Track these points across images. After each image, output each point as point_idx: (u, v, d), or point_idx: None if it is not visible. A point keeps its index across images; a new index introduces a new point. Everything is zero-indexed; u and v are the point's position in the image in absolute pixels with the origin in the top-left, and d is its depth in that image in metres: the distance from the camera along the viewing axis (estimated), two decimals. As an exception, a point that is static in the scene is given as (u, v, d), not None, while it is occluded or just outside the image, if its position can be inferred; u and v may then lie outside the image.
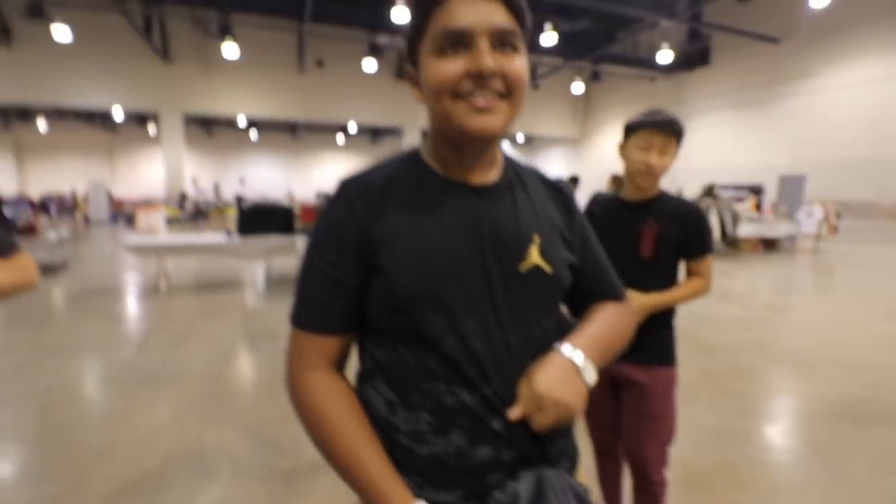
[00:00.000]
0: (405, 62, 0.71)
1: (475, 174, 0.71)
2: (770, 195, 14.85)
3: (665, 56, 18.98)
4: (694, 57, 20.76)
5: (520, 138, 32.02)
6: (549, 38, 17.56)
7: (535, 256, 0.70)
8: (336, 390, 0.69)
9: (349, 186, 0.70)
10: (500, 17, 0.62)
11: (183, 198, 19.86)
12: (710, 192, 10.77)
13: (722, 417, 2.80)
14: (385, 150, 34.55)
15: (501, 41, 0.62)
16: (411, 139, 25.30)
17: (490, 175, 0.72)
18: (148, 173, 28.17)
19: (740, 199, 11.46)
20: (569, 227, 0.78)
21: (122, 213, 18.63)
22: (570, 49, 20.01)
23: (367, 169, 0.73)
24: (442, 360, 0.66)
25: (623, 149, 1.47)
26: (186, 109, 20.35)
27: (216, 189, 24.94)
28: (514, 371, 0.67)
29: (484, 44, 0.61)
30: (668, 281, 1.49)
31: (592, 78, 23.60)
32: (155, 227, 7.72)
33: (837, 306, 5.73)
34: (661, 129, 1.37)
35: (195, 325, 4.67)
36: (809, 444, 2.55)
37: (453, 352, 0.66)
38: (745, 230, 9.31)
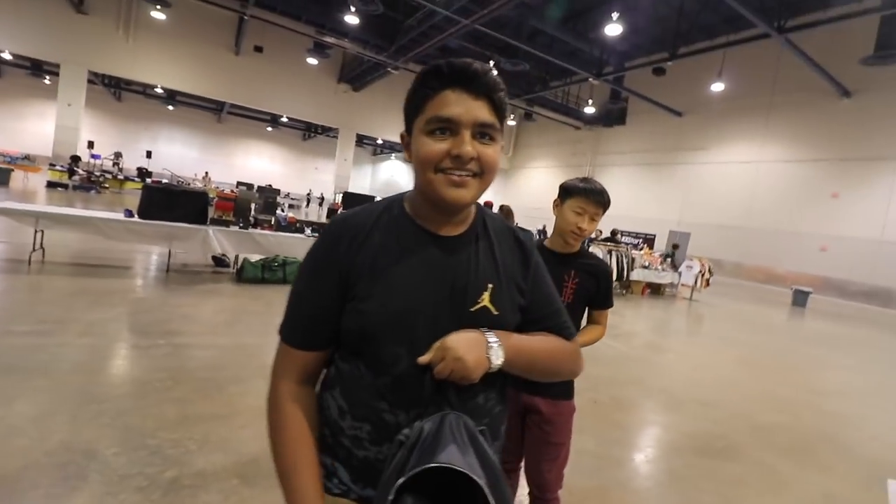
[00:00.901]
0: (403, 134, 0.84)
1: (447, 227, 0.85)
2: (659, 245, 16.71)
3: (589, 109, 20.80)
4: (613, 115, 23.00)
5: (451, 159, 32.65)
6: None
7: (485, 300, 0.84)
8: (300, 405, 0.83)
9: (338, 225, 0.84)
10: (483, 113, 0.76)
11: (74, 161, 17.56)
12: (614, 236, 11.89)
13: (602, 445, 3.10)
14: (316, 148, 33.41)
15: (481, 133, 0.77)
16: (345, 142, 24.79)
17: (459, 228, 0.86)
18: (35, 128, 24.59)
19: (636, 247, 12.77)
20: (523, 275, 0.91)
21: (-6, 169, 15.96)
22: (508, 87, 21.13)
23: (356, 210, 0.87)
24: (392, 383, 0.79)
25: (558, 207, 1.69)
26: (95, 67, 18.27)
27: (117, 158, 22.37)
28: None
29: (467, 134, 0.75)
30: (576, 325, 1.72)
31: (525, 117, 25.14)
32: (32, 190, 6.74)
33: (702, 350, 6.59)
34: (596, 200, 1.61)
35: (72, 311, 4.17)
36: (669, 473, 2.92)
37: (403, 376, 0.79)
38: (637, 274, 10.37)
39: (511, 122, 26.81)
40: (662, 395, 4.34)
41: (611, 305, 1.78)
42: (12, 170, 16.54)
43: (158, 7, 15.89)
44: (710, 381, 5.00)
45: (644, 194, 21.82)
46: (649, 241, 14.65)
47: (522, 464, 1.80)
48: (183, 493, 2.03)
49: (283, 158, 32.32)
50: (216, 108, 28.47)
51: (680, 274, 11.30)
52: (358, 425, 0.81)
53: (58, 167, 17.37)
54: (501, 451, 0.93)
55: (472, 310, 0.82)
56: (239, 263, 6.61)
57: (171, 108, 28.18)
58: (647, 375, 4.88)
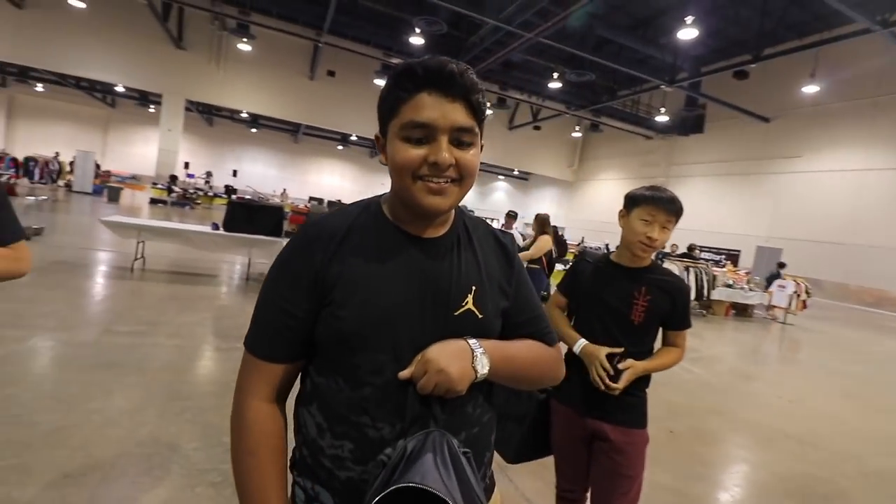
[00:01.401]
0: (377, 135, 0.79)
1: (427, 230, 0.80)
2: (745, 262, 15.34)
3: (662, 118, 19.78)
4: (689, 123, 21.68)
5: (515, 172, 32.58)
6: (555, 84, 18.16)
7: (470, 303, 0.79)
8: (268, 428, 0.76)
9: (311, 230, 0.78)
10: (460, 117, 0.70)
11: (172, 180, 19.55)
12: (691, 252, 11.10)
13: (679, 479, 2.84)
14: (382, 165, 34.74)
15: (459, 138, 0.71)
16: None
17: (440, 230, 0.81)
18: (141, 151, 27.77)
19: (718, 263, 11.81)
20: (507, 278, 0.86)
21: (108, 187, 18.17)
22: (573, 98, 20.73)
23: (331, 214, 0.81)
24: (373, 395, 0.74)
25: (624, 218, 1.55)
26: (191, 96, 20.30)
27: (208, 177, 24.63)
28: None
29: (443, 140, 0.70)
30: (649, 346, 1.58)
31: (591, 128, 24.43)
32: (138, 206, 7.58)
33: (798, 381, 5.89)
34: (667, 208, 1.46)
35: (165, 315, 4.57)
36: (760, 517, 2.60)
37: (386, 385, 0.73)
38: (719, 293, 9.57)
39: (576, 134, 26.15)
40: (750, 428, 3.91)
41: (689, 326, 1.61)
42: (122, 188, 18.76)
43: (245, 40, 17.44)
44: (809, 416, 4.44)
45: (726, 207, 20.21)
46: (733, 257, 13.53)
47: (589, 494, 1.67)
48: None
49: (352, 175, 33.87)
50: (293, 130, 30.53)
51: (771, 294, 10.28)
52: (339, 443, 0.75)
53: (159, 185, 19.44)
54: (489, 465, 0.87)
55: (456, 313, 0.77)
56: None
57: (254, 130, 30.62)
58: (731, 405, 4.44)
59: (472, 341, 0.76)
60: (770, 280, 10.64)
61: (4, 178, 14.51)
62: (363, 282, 0.74)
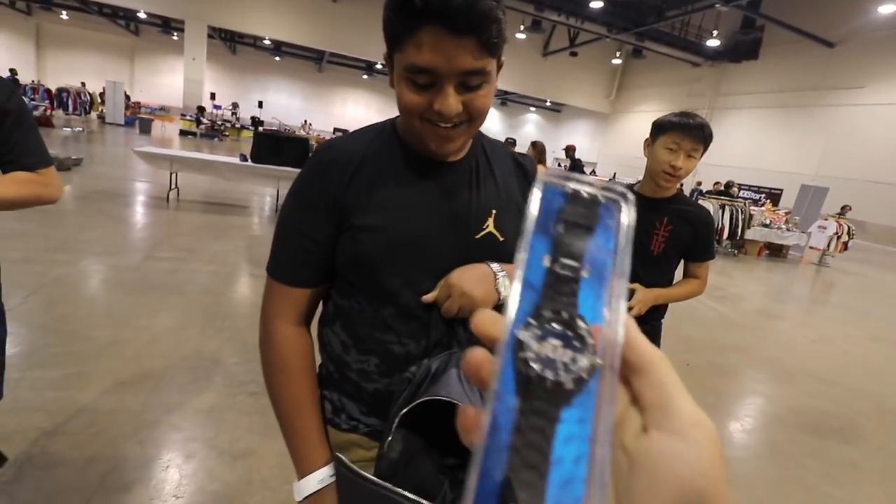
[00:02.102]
0: (385, 56, 0.72)
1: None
2: (787, 202, 14.61)
3: (713, 42, 18.12)
4: (742, 48, 19.80)
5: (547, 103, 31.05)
6: (596, 3, 16.71)
7: (490, 226, 0.78)
8: (296, 346, 0.78)
9: (326, 154, 0.76)
10: (467, 60, 0.61)
11: (200, 111, 19.56)
12: (728, 189, 10.62)
13: (691, 408, 2.93)
14: (408, 96, 33.59)
15: (467, 82, 0.64)
16: (437, 88, 24.56)
17: (458, 154, 0.78)
18: (168, 81, 27.65)
19: (757, 202, 11.30)
20: (527, 200, 0.83)
21: (140, 118, 18.40)
22: (616, 19, 19.06)
23: (345, 137, 0.79)
24: (397, 313, 0.75)
25: (649, 146, 1.49)
26: (212, 22, 19.69)
27: (234, 109, 24.51)
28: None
29: (449, 87, 0.63)
30: (668, 276, 1.57)
31: (634, 53, 22.62)
32: (169, 137, 7.70)
33: (827, 323, 5.80)
34: (693, 135, 1.38)
35: (201, 242, 4.78)
36: (768, 446, 2.69)
37: (409, 305, 0.74)
38: (754, 233, 9.25)
39: (616, 61, 24.37)
40: (770, 365, 3.94)
41: (711, 257, 1.58)
42: (153, 120, 18.94)
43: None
44: (833, 356, 4.42)
45: (772, 143, 18.93)
46: (774, 196, 12.89)
47: None
48: (287, 403, 2.31)
49: (377, 106, 33.05)
50: (317, 58, 29.55)
51: (809, 235, 9.87)
52: (364, 358, 0.77)
53: (187, 117, 19.53)
54: None
55: (476, 237, 0.77)
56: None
57: (277, 59, 29.81)
58: (753, 343, 4.44)
59: (493, 265, 0.76)
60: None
61: (40, 110, 14.82)
62: (382, 206, 0.73)
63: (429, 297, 0.74)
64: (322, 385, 0.84)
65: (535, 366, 0.20)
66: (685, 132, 1.38)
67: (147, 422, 2.00)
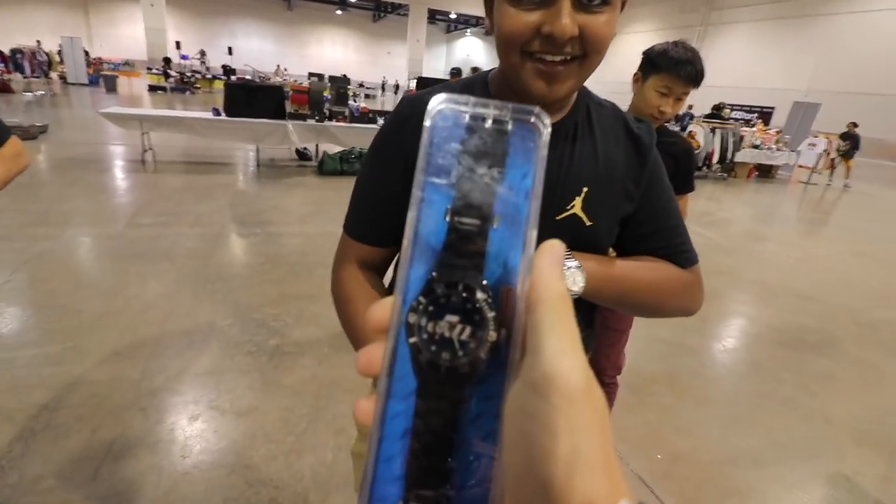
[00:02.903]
0: None
1: None
2: (779, 120, 14.36)
3: (705, -51, 16.99)
4: (737, -47, 18.58)
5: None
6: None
7: (577, 207, 0.69)
8: (364, 280, 0.74)
9: (406, 108, 0.71)
10: None
11: (167, 63, 18.48)
12: (719, 111, 10.37)
13: (676, 333, 3.04)
14: (387, 31, 31.74)
15: (587, 1, 0.54)
16: (416, 20, 23.15)
17: (555, 116, 0.67)
18: (129, 32, 25.90)
19: (748, 123, 11.10)
20: (634, 178, 0.72)
21: (104, 76, 17.38)
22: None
23: (432, 89, 0.71)
24: None
25: (639, 82, 1.43)
26: (165, -40, 18.13)
27: (202, 56, 23.15)
28: None
29: (566, 2, 0.53)
30: None
31: (621, -33, 21.18)
32: (138, 95, 7.31)
33: (811, 240, 5.92)
34: (687, 78, 1.34)
35: (184, 205, 4.69)
36: (748, 363, 2.83)
37: None
38: (744, 155, 9.18)
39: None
40: (754, 286, 4.05)
41: (691, 189, 1.59)
42: (117, 76, 17.90)
43: None
44: (815, 274, 4.54)
45: (767, 58, 18.29)
46: (765, 115, 12.65)
47: None
48: (285, 359, 2.37)
49: (354, 45, 31.31)
50: (285, -5, 27.62)
51: (798, 153, 9.80)
52: None
53: (154, 70, 18.46)
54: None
55: (558, 217, 0.68)
56: (320, 156, 6.86)
57: (243, -2, 27.81)
58: (739, 266, 4.54)
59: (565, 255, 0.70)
60: (849, 145, 9.62)
61: (-4, 73, 13.94)
62: None
63: None
64: None
65: (427, 351, 0.18)
66: (679, 77, 1.33)
67: (147, 389, 2.06)
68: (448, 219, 0.19)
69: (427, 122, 0.19)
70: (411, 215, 0.19)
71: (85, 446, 1.71)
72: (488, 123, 0.19)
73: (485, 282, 0.18)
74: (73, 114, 11.03)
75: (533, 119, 0.19)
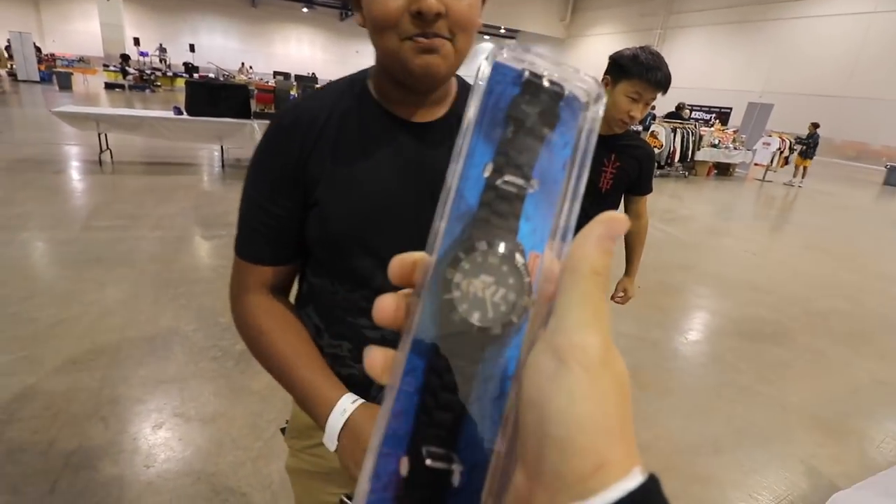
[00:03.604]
0: None
1: (421, 111, 0.68)
2: (735, 120, 15.00)
3: (666, -45, 17.54)
4: (695, -40, 19.28)
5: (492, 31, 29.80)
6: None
7: None
8: (272, 307, 0.71)
9: (287, 118, 0.68)
10: None
11: (125, 60, 17.71)
12: (679, 111, 10.74)
13: (641, 327, 3.15)
14: (355, 29, 31.42)
15: None
16: (384, 20, 22.99)
17: (436, 112, 0.69)
18: (83, 27, 24.72)
19: (707, 123, 11.55)
20: None
21: (56, 73, 16.52)
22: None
23: (310, 97, 0.70)
24: (371, 297, 0.66)
25: (608, 86, 1.44)
26: (121, -48, 17.40)
27: (162, 53, 22.29)
28: None
29: None
30: (614, 208, 1.64)
31: (586, -29, 21.68)
32: (94, 93, 6.99)
33: (766, 235, 6.21)
34: (656, 84, 1.36)
35: (144, 207, 4.52)
36: (708, 355, 2.95)
37: (384, 289, 0.68)
38: (703, 154, 9.54)
39: (570, -18, 23.39)
40: (713, 280, 4.22)
41: (650, 191, 1.66)
42: (71, 73, 17.07)
43: None
44: (770, 267, 4.77)
45: (723, 61, 19.06)
46: (723, 115, 13.17)
47: None
48: (252, 363, 2.30)
49: (321, 43, 30.85)
50: (250, -9, 26.96)
51: (754, 152, 10.26)
52: (337, 343, 0.73)
53: (111, 67, 17.68)
54: None
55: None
56: (288, 157, 6.73)
57: (205, -7, 26.97)
58: (699, 261, 4.72)
59: None
60: (802, 144, 10.03)
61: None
62: (350, 178, 0.65)
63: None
64: None
65: (460, 307, 0.17)
66: (649, 81, 1.35)
67: (107, 398, 1.98)
68: (487, 175, 0.18)
69: (486, 69, 0.18)
70: (453, 167, 0.18)
71: (41, 460, 1.64)
72: (545, 83, 0.18)
73: (522, 245, 0.18)
74: (25, 112, 10.47)
75: (589, 91, 0.18)
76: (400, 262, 0.19)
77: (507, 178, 0.18)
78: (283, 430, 0.86)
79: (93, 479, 1.60)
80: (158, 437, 1.81)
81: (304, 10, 29.60)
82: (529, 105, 0.18)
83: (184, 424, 1.89)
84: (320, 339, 0.74)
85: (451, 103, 0.71)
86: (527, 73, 0.18)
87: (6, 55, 18.23)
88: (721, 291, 3.99)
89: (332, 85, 0.71)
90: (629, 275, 1.77)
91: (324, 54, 31.25)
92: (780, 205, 8.55)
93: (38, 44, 19.57)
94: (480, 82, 0.18)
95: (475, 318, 0.17)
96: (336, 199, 0.66)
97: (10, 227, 3.68)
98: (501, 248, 0.17)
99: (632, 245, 1.75)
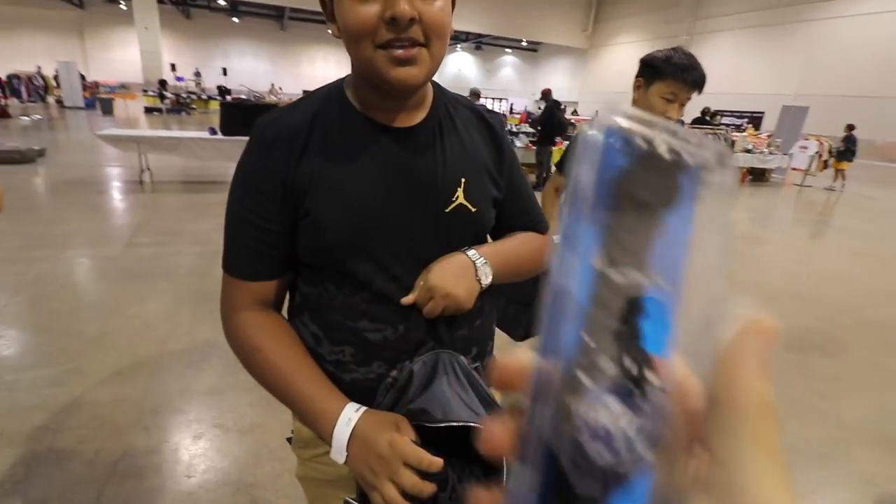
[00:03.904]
0: None
1: (401, 116, 0.69)
2: (769, 124, 14.54)
3: (690, -39, 17.35)
4: (721, -36, 18.99)
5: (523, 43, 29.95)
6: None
7: (460, 197, 0.71)
8: (265, 322, 0.70)
9: (267, 130, 0.67)
10: None
11: (162, 85, 18.61)
12: (704, 116, 10.47)
13: (680, 339, 3.03)
14: (379, 49, 32.22)
15: None
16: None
17: (416, 117, 0.70)
18: (123, 56, 26.13)
19: (739, 128, 11.23)
20: (497, 165, 0.77)
21: (99, 99, 17.48)
22: (587, -56, 18.04)
23: (286, 108, 0.70)
24: (372, 299, 0.69)
25: (641, 89, 1.41)
26: (160, -16, 18.38)
27: (197, 77, 23.34)
28: None
29: None
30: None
31: (608, -19, 21.63)
32: (134, 117, 7.35)
33: (809, 242, 5.94)
34: (692, 83, 1.34)
35: (181, 224, 4.68)
36: (754, 367, 2.81)
37: (385, 290, 0.69)
38: (736, 160, 9.27)
39: (592, -7, 23.38)
40: (754, 289, 4.05)
41: None
42: (113, 99, 18.02)
43: None
44: (816, 275, 4.55)
45: (753, 65, 18.58)
46: (755, 119, 12.80)
47: None
48: (287, 376, 2.34)
49: (347, 63, 31.53)
50: (277, 16, 27.96)
51: (790, 156, 9.90)
52: (338, 349, 0.71)
53: (150, 93, 18.58)
54: (492, 350, 0.85)
55: (447, 210, 0.70)
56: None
57: (236, 20, 28.13)
58: (738, 269, 4.55)
59: (470, 252, 0.71)
60: (846, 148, 9.68)
61: (-7, 99, 14.01)
62: (339, 186, 0.65)
63: (409, 300, 0.68)
64: None
65: (586, 443, 0.14)
66: (686, 81, 1.33)
67: (149, 408, 2.03)
68: (597, 266, 0.15)
69: (591, 137, 0.15)
70: (556, 255, 0.15)
71: (88, 468, 1.68)
72: (663, 153, 0.15)
73: (651, 357, 0.14)
74: (70, 137, 11.07)
75: (713, 158, 0.15)
76: (503, 368, 0.17)
77: (622, 268, 0.15)
78: (289, 440, 0.85)
79: (137, 488, 1.62)
80: (198, 448, 1.84)
81: (330, 31, 30.53)
82: (644, 178, 0.15)
83: (222, 435, 1.91)
84: (320, 346, 0.72)
85: (430, 107, 0.72)
86: (639, 141, 0.15)
87: (55, 84, 19.42)
88: (764, 300, 3.82)
89: (305, 98, 0.72)
90: None
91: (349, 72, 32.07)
92: (820, 210, 8.19)
93: (82, 72, 20.78)
94: (585, 153, 0.15)
95: (602, 457, 0.14)
96: (328, 209, 0.66)
97: (58, 245, 3.86)
98: (629, 363, 0.14)
99: None
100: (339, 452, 0.62)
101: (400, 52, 0.58)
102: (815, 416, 2.36)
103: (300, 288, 0.75)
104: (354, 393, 0.71)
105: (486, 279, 0.71)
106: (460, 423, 0.60)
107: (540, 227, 0.86)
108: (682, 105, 1.39)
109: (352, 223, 0.66)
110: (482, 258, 0.71)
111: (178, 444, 1.85)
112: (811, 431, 2.24)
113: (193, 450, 1.82)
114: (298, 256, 0.71)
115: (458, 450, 0.62)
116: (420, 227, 0.70)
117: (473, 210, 0.73)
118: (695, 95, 1.41)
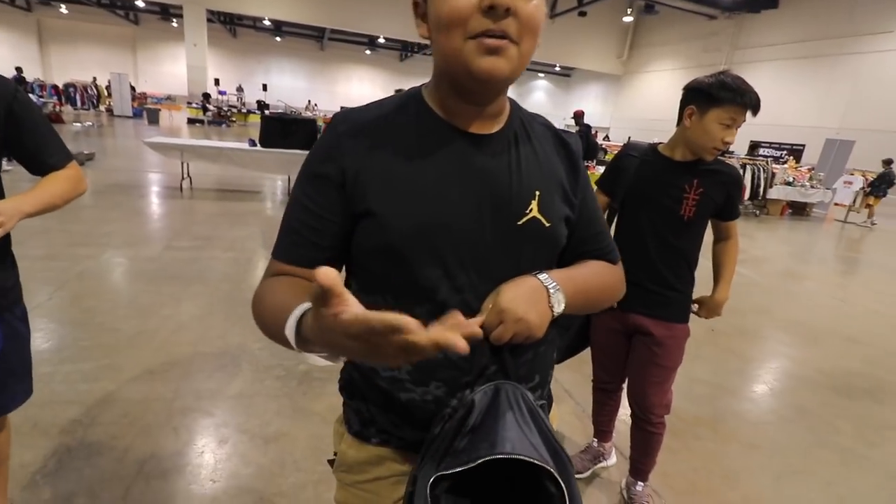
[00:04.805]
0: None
1: (479, 123, 0.67)
2: (810, 158, 14.10)
3: (729, -8, 17.26)
4: (761, -4, 18.81)
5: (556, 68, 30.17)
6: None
7: (535, 210, 0.68)
8: (282, 279, 0.65)
9: (341, 121, 0.67)
10: None
11: (206, 98, 19.48)
12: (751, 150, 10.26)
13: (718, 374, 2.90)
14: (414, 69, 33.05)
15: None
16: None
17: (493, 126, 0.68)
18: (171, 69, 27.57)
19: (779, 160, 10.93)
20: (572, 184, 0.75)
21: (147, 109, 18.40)
22: (625, -27, 18.19)
23: (364, 106, 0.70)
24: (432, 312, 0.61)
25: (694, 116, 1.38)
26: (210, 5, 19.39)
27: (239, 92, 24.35)
28: None
29: None
30: (699, 241, 1.56)
31: (645, 9, 21.69)
32: (177, 127, 7.69)
33: (854, 280, 5.66)
34: (750, 107, 1.32)
35: (217, 230, 4.81)
36: (797, 409, 2.65)
37: (448, 303, 0.64)
38: (777, 192, 8.98)
39: (628, 19, 23.44)
40: (796, 327, 3.86)
41: (739, 216, 1.58)
42: (159, 109, 18.94)
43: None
44: (862, 316, 4.31)
45: (794, 96, 18.17)
46: (796, 152, 12.44)
47: (625, 385, 1.75)
48: (314, 384, 2.34)
49: (382, 82, 32.50)
50: (318, 36, 29.05)
51: (833, 191, 9.55)
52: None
53: (193, 105, 19.47)
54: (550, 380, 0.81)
55: (519, 223, 0.67)
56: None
57: (278, 39, 29.37)
58: (778, 305, 4.36)
59: (542, 276, 0.67)
60: (878, 183, 9.33)
61: (49, 106, 14.92)
62: (408, 185, 0.63)
63: (476, 322, 0.62)
64: (347, 393, 0.77)
65: None
66: (744, 105, 1.31)
67: (179, 409, 2.04)
68: None
69: None
70: None
71: (117, 465, 1.69)
72: None
73: None
74: (118, 143, 11.62)
75: None
76: None
77: None
78: (331, 463, 0.82)
79: (162, 490, 1.62)
80: (223, 453, 1.83)
81: (367, 52, 31.47)
82: None
83: (248, 441, 1.90)
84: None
85: (507, 120, 0.70)
86: None
87: (107, 94, 20.55)
88: (806, 340, 3.63)
89: (384, 99, 0.71)
90: (720, 290, 1.62)
91: (383, 92, 32.82)
92: (863, 247, 7.83)
93: (133, 83, 21.95)
94: None
95: None
96: (397, 207, 0.63)
97: (100, 244, 4.01)
98: None
99: (722, 262, 1.63)
100: (291, 330, 0.50)
101: (490, 40, 0.56)
102: (866, 465, 2.20)
103: (357, 295, 0.71)
104: (408, 413, 0.68)
105: (559, 306, 0.67)
106: (536, 461, 0.55)
107: (611, 256, 0.81)
108: (737, 128, 1.37)
109: (421, 221, 0.63)
110: (555, 283, 0.67)
111: (204, 448, 1.85)
112: (861, 482, 2.09)
113: (219, 454, 1.82)
114: (357, 259, 0.69)
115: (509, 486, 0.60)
116: (491, 236, 0.66)
117: (547, 225, 0.69)
118: (749, 116, 1.38)
